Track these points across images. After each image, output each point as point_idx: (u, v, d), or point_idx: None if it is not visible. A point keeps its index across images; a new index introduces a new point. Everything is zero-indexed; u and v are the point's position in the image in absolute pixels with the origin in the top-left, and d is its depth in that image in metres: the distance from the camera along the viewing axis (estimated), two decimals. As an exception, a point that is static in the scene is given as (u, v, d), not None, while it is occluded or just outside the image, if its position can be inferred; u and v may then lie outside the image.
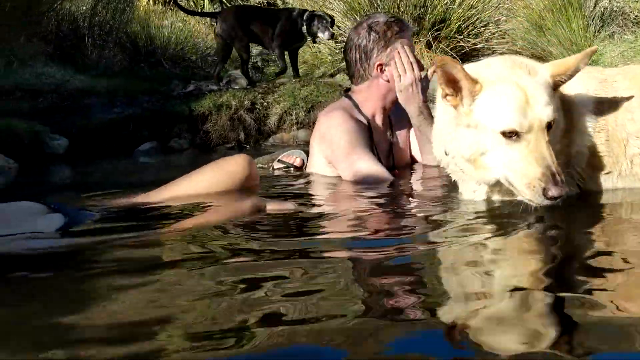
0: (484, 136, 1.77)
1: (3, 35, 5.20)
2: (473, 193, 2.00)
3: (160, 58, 7.66)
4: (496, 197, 1.96)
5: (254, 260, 1.47)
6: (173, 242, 1.65)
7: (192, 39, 8.59)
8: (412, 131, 3.00)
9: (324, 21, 5.54)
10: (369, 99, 2.84)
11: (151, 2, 11.34)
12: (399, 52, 2.75)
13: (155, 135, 5.03)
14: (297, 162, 3.19)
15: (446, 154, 1.98)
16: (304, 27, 5.62)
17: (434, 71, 2.99)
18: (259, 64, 9.55)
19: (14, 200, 1.97)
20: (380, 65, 2.79)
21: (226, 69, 8.17)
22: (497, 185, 1.89)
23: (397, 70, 2.73)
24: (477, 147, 1.79)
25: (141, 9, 9.56)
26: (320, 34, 5.58)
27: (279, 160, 3.22)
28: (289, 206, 2.02)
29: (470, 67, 1.90)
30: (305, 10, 5.77)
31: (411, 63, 2.75)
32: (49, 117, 4.96)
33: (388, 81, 2.79)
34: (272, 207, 1.94)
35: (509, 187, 1.78)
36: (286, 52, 5.87)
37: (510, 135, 1.71)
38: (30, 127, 4.55)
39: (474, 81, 1.79)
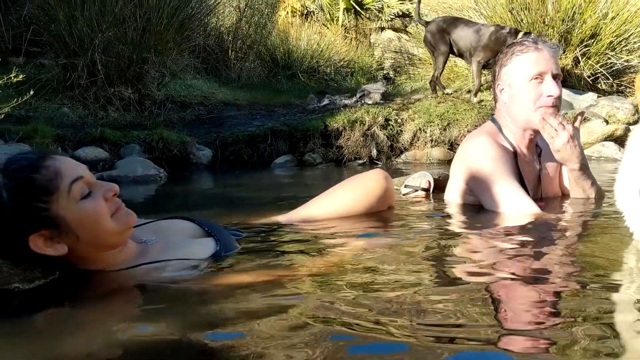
0: None
1: (158, 50, 5.61)
2: None
3: (297, 71, 7.90)
4: None
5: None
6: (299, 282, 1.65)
7: (328, 52, 8.78)
8: None
9: None
10: (506, 122, 2.72)
11: (290, 14, 11.75)
12: (544, 116, 2.52)
13: (291, 148, 5.18)
14: (424, 184, 3.13)
15: None
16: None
17: (582, 118, 2.78)
18: (390, 74, 9.56)
19: (168, 213, 2.11)
20: (499, 86, 2.66)
21: (358, 82, 8.25)
22: None
23: (547, 134, 2.53)
24: None
25: (280, 21, 9.92)
26: None
27: (406, 185, 3.18)
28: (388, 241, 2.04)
29: None
30: (519, 30, 5.46)
31: (561, 123, 2.56)
32: (194, 128, 5.28)
33: (506, 103, 2.64)
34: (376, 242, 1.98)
35: None
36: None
37: None
38: (179, 138, 4.87)
39: None
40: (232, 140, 5.07)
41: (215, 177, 4.58)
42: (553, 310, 1.37)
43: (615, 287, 1.55)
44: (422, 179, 3.15)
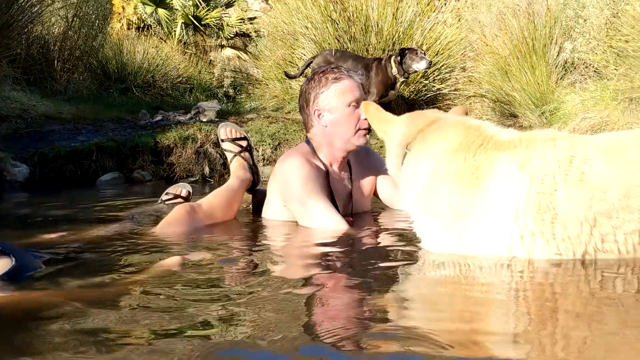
0: None
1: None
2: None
3: (131, 85, 7.66)
4: None
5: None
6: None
7: (165, 67, 8.61)
8: (379, 178, 3.08)
9: (417, 52, 5.43)
10: (321, 144, 2.91)
11: (125, 26, 11.37)
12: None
13: (119, 165, 5.01)
14: (183, 193, 3.39)
15: None
16: (394, 69, 5.48)
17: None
18: (230, 92, 9.62)
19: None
20: (317, 111, 2.87)
21: (197, 98, 8.20)
22: None
23: None
24: None
25: (114, 34, 9.56)
26: (415, 66, 5.41)
27: (166, 193, 3.40)
28: (206, 256, 2.13)
29: None
30: (392, 55, 5.63)
31: None
32: (11, 142, 4.91)
33: (327, 126, 2.85)
34: (193, 257, 2.08)
35: None
36: None
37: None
38: (-10, 153, 4.49)
39: None
40: (53, 156, 4.79)
41: (30, 195, 4.29)
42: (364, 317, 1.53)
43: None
44: (181, 188, 3.41)
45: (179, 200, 3.31)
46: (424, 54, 5.40)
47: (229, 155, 3.22)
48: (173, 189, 3.40)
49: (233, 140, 3.23)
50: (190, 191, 3.41)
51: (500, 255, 2.00)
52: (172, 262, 1.97)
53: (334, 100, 2.82)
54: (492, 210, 2.00)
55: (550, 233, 1.96)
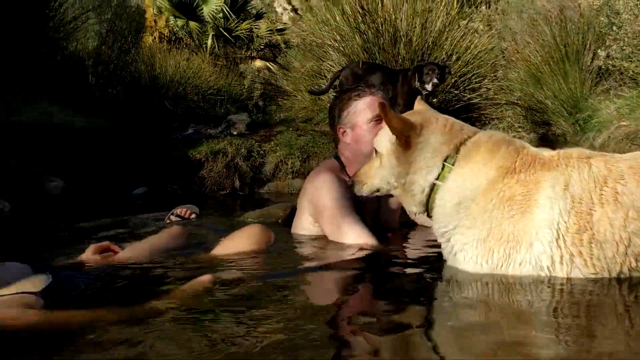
0: None
1: (6, 73, 5.28)
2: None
3: (163, 98, 7.78)
4: None
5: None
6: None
7: (196, 79, 8.73)
8: None
9: (430, 71, 5.18)
10: (349, 160, 2.92)
11: (157, 39, 11.58)
12: None
13: (151, 178, 5.08)
14: (193, 217, 3.46)
15: None
16: (417, 82, 5.22)
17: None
18: (260, 103, 9.70)
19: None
20: (342, 128, 2.88)
21: (228, 110, 8.29)
22: None
23: None
24: None
25: (146, 46, 9.73)
26: (427, 86, 5.15)
27: (173, 214, 3.46)
28: (237, 274, 2.16)
29: None
30: (422, 65, 5.34)
31: None
32: (47, 157, 5.03)
33: (350, 143, 2.87)
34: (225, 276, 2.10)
35: None
36: None
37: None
38: (26, 168, 4.61)
39: None
40: (89, 169, 4.88)
41: (67, 208, 4.37)
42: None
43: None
44: (188, 210, 3.49)
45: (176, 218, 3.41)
46: (444, 69, 5.20)
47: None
48: (180, 210, 3.46)
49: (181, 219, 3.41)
50: (198, 213, 3.48)
51: (540, 275, 1.96)
52: (203, 280, 1.98)
53: (355, 117, 2.84)
54: (539, 232, 1.97)
55: (588, 254, 1.93)
